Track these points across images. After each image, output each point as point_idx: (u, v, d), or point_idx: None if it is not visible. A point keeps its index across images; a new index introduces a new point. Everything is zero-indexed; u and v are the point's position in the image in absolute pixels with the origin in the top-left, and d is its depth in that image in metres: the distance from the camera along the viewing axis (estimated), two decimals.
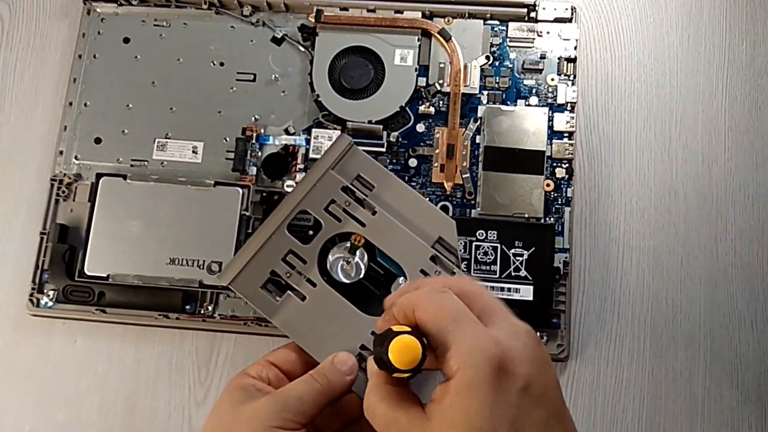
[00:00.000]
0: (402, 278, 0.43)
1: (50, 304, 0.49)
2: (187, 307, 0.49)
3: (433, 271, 0.42)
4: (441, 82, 0.51)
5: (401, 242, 0.43)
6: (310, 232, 0.44)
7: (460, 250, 0.48)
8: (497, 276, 0.47)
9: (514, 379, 0.30)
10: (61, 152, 0.52)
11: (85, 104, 0.53)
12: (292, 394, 0.37)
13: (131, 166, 0.52)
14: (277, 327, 0.42)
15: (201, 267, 0.48)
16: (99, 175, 0.50)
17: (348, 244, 0.44)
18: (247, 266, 0.42)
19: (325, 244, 0.44)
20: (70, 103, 0.53)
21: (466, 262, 0.47)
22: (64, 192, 0.51)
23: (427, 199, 0.50)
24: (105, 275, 0.48)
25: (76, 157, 0.52)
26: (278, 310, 0.42)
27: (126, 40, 0.54)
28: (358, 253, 0.44)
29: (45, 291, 0.50)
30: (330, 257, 0.44)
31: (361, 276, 0.44)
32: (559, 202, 0.49)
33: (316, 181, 0.44)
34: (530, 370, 0.30)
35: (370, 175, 0.44)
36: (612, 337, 0.49)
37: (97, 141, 0.52)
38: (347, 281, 0.44)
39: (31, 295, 0.50)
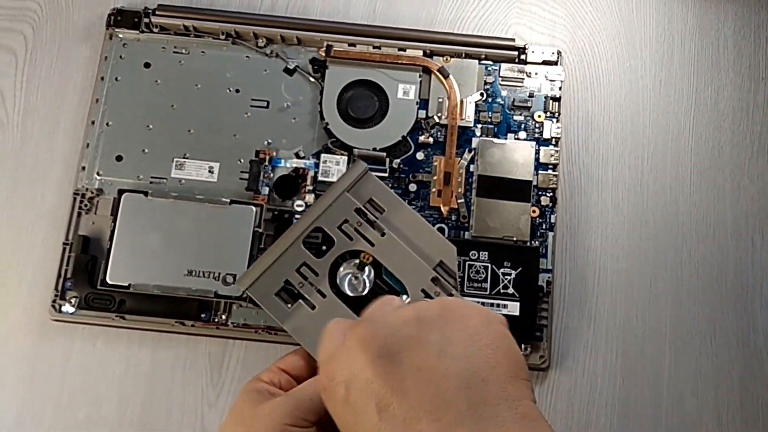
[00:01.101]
0: (405, 296, 0.48)
1: (72, 310, 0.53)
2: (202, 315, 0.53)
3: (432, 291, 0.47)
4: (439, 115, 0.56)
5: (406, 263, 0.48)
6: (324, 248, 0.49)
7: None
8: (488, 293, 0.52)
9: (335, 393, 0.32)
10: (83, 168, 0.56)
11: (107, 124, 0.56)
12: (303, 395, 0.41)
13: (150, 182, 0.55)
14: (288, 332, 0.46)
15: (216, 278, 0.53)
16: (121, 191, 0.53)
17: (357, 261, 0.49)
18: (263, 274, 0.47)
19: (336, 259, 0.48)
20: (93, 122, 0.56)
21: (460, 279, 0.52)
22: (86, 206, 0.55)
23: (425, 221, 0.55)
24: (126, 284, 0.52)
25: (98, 173, 0.55)
26: (289, 316, 0.46)
27: (147, 65, 0.58)
28: (366, 269, 0.49)
29: (67, 298, 0.53)
30: (340, 272, 0.49)
31: (367, 291, 0.49)
32: (544, 227, 0.55)
33: (332, 201, 0.48)
34: (345, 375, 0.32)
35: (382, 199, 0.49)
36: (588, 350, 0.54)
37: (119, 158, 0.56)
38: (354, 295, 0.49)
39: (54, 301, 0.53)
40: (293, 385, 0.44)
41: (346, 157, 0.56)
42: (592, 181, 0.57)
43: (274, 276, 0.47)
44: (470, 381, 0.30)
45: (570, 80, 0.59)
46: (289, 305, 0.47)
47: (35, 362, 0.53)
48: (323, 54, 0.57)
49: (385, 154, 0.56)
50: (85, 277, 0.53)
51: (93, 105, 0.57)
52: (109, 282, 0.52)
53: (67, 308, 0.53)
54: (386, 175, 0.55)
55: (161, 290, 0.52)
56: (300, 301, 0.47)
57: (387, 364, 0.31)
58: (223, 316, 0.53)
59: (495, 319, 0.34)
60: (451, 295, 0.47)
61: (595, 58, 0.60)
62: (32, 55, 0.60)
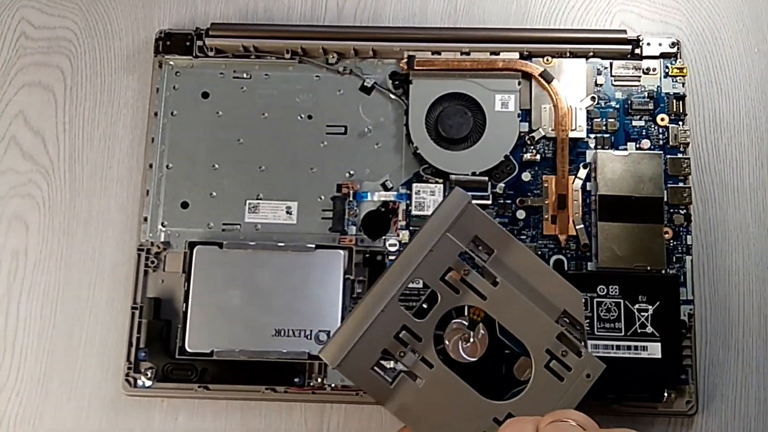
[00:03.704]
0: (523, 358, 0.41)
1: (149, 383, 0.47)
2: (296, 379, 0.46)
3: (559, 351, 0.39)
4: (545, 127, 0.49)
5: (525, 318, 0.40)
6: (425, 306, 0.41)
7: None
8: (623, 334, 0.45)
9: None
10: (145, 219, 0.49)
11: (168, 166, 0.50)
12: None
13: (223, 230, 0.49)
14: (392, 413, 0.39)
15: (308, 337, 0.46)
16: (192, 244, 0.47)
17: (466, 318, 0.41)
18: (356, 345, 0.38)
19: (441, 317, 0.41)
20: (150, 165, 0.50)
21: (588, 321, 0.45)
22: (153, 262, 0.48)
23: (541, 260, 0.47)
24: (208, 351, 0.46)
25: (162, 224, 0.49)
26: (392, 395, 0.38)
27: (205, 95, 0.51)
28: (477, 328, 0.42)
29: (142, 370, 0.47)
30: (447, 333, 0.41)
31: (482, 354, 0.42)
32: (679, 251, 0.47)
33: (432, 245, 0.40)
34: None
35: (489, 237, 0.41)
36: (737, 387, 0.47)
37: (184, 205, 0.49)
38: (465, 361, 0.42)
39: (127, 375, 0.47)
40: None
41: (441, 185, 0.49)
42: (727, 191, 0.49)
43: (369, 346, 0.38)
44: None
45: (691, 73, 0.51)
46: (390, 380, 0.39)
47: None
48: (404, 66, 0.50)
49: (486, 178, 0.48)
50: (160, 346, 0.47)
51: (148, 145, 0.50)
52: (189, 350, 0.46)
53: (143, 382, 0.47)
54: (489, 202, 0.48)
55: (248, 355, 0.46)
56: (403, 374, 0.39)
57: None
58: (319, 379, 0.47)
59: None
60: (579, 353, 0.40)
61: (718, 45, 0.51)
62: (72, 92, 0.53)
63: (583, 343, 0.40)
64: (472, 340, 0.41)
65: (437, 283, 0.40)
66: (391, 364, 0.40)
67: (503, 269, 0.40)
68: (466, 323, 0.41)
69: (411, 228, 0.48)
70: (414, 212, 0.48)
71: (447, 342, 0.41)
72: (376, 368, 0.38)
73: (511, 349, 0.41)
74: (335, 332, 0.39)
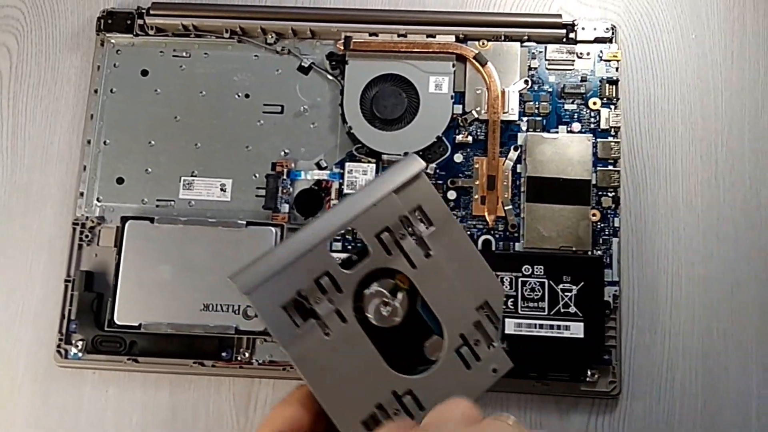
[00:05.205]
0: (437, 337, 0.41)
1: (79, 355, 0.47)
2: (223, 354, 0.47)
3: (472, 339, 0.39)
4: (478, 109, 0.49)
5: (448, 297, 0.39)
6: (354, 257, 0.41)
7: (506, 288, 0.46)
8: (546, 313, 0.46)
9: None
10: (81, 194, 0.50)
11: (105, 142, 0.50)
12: None
13: (157, 206, 0.49)
14: (290, 360, 0.38)
15: (236, 312, 0.47)
16: (124, 219, 0.48)
17: (392, 283, 0.41)
18: (273, 277, 0.34)
19: (366, 276, 0.40)
20: (89, 141, 0.50)
21: (512, 300, 0.46)
22: (87, 236, 0.49)
23: (468, 233, 0.48)
24: (136, 324, 0.46)
25: (98, 199, 0.50)
26: (296, 340, 0.37)
27: (144, 73, 0.51)
28: (399, 295, 0.41)
29: (73, 341, 0.48)
30: (368, 293, 0.41)
31: (396, 323, 0.41)
32: (607, 233, 0.48)
33: (376, 201, 0.39)
34: None
35: (432, 211, 0.40)
36: (663, 370, 0.47)
37: (120, 181, 0.50)
38: (381, 325, 0.41)
39: (59, 346, 0.48)
40: None
41: (374, 165, 0.49)
42: (659, 175, 0.50)
43: (286, 282, 0.35)
44: None
45: (627, 59, 0.51)
46: (298, 324, 0.38)
47: (44, 412, 0.48)
48: (341, 47, 0.50)
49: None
50: (91, 318, 0.47)
51: (88, 122, 0.51)
52: (118, 322, 0.46)
53: (74, 352, 0.47)
54: None
55: (175, 329, 0.46)
56: (313, 321, 0.39)
57: None
58: (246, 354, 0.47)
59: None
60: (492, 346, 0.39)
61: (655, 31, 0.52)
62: (17, 69, 0.54)
63: (497, 339, 0.40)
64: (391, 306, 0.41)
65: (371, 239, 0.39)
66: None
67: (438, 246, 0.39)
68: (389, 289, 0.41)
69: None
70: (346, 191, 0.49)
71: (368, 302, 0.41)
72: (286, 308, 0.38)
73: (426, 325, 0.41)
74: (253, 261, 0.38)
